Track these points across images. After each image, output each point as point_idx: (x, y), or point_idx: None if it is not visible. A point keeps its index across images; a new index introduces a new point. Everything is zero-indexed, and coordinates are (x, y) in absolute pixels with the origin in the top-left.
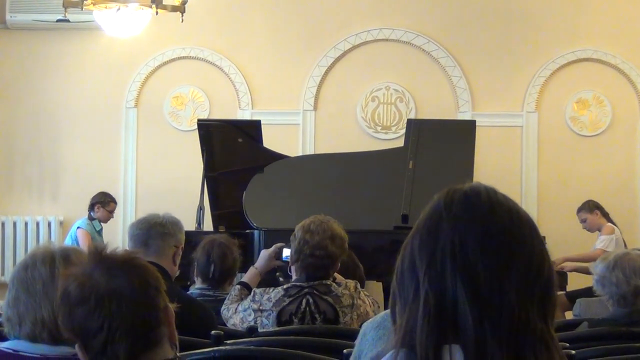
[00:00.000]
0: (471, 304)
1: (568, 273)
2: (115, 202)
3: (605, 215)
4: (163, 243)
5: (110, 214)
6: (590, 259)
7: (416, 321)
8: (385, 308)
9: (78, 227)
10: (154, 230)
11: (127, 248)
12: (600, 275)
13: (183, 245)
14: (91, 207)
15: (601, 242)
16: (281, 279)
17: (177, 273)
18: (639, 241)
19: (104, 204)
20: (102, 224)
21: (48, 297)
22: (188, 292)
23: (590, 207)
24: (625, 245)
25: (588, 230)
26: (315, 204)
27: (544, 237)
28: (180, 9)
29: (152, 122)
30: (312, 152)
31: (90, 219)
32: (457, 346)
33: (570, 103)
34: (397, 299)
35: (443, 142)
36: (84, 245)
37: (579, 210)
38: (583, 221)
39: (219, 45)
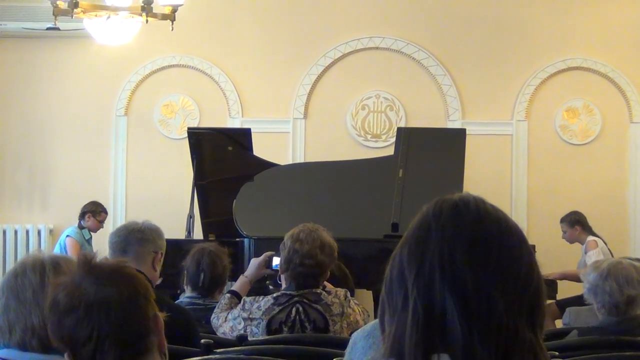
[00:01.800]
0: (460, 314)
1: (558, 282)
2: (106, 212)
3: (587, 229)
4: (141, 249)
5: (100, 223)
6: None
7: (404, 330)
8: (375, 317)
9: (67, 236)
10: (132, 236)
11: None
12: (593, 284)
13: (164, 251)
14: (82, 216)
15: (590, 259)
16: (271, 287)
17: (159, 280)
18: (628, 249)
19: (95, 213)
20: (91, 233)
21: (38, 305)
22: (178, 301)
23: (571, 221)
24: (611, 254)
25: (567, 241)
26: (305, 212)
27: (534, 246)
28: (171, 17)
29: (142, 130)
30: (302, 161)
31: (80, 227)
32: (446, 355)
33: (560, 111)
34: (386, 308)
35: (433, 150)
36: (72, 254)
37: (562, 220)
38: (564, 232)
39: (209, 54)
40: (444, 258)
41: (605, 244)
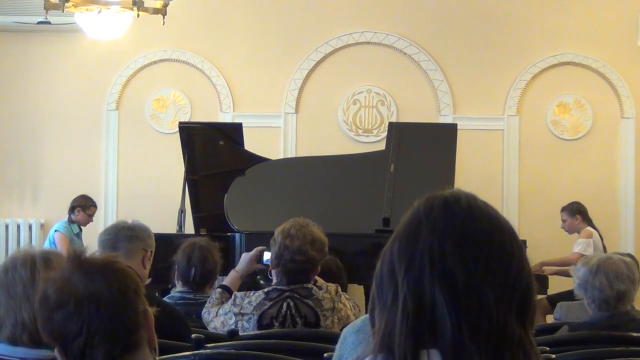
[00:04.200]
0: (449, 308)
1: (549, 277)
2: (95, 206)
3: (587, 220)
4: (131, 245)
5: (89, 217)
6: (568, 263)
7: (394, 325)
8: (367, 312)
9: (56, 231)
10: (122, 233)
11: None
12: (583, 279)
13: (153, 250)
14: (71, 210)
15: (578, 245)
16: (262, 282)
17: (149, 280)
18: (620, 244)
19: (84, 207)
20: (81, 227)
21: (29, 300)
22: (169, 295)
23: (573, 210)
24: (605, 250)
25: (566, 231)
26: (296, 207)
27: (524, 241)
28: (162, 11)
29: (133, 125)
30: (293, 155)
31: (70, 221)
32: (435, 350)
33: (552, 107)
34: (376, 303)
35: (424, 145)
36: (61, 248)
37: (563, 209)
38: (563, 221)
39: (200, 48)
40: (434, 253)
41: (602, 238)
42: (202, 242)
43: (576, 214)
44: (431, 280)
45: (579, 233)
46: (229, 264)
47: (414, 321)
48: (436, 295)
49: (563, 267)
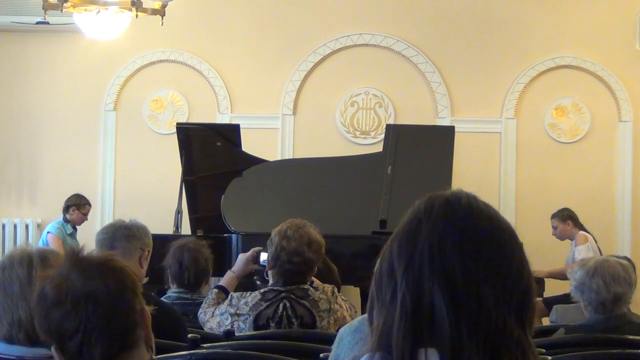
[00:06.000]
0: (448, 308)
1: (545, 279)
2: (89, 205)
3: (579, 225)
4: (129, 244)
5: (84, 216)
6: None
7: (392, 323)
8: (363, 313)
9: (48, 232)
10: (120, 232)
11: None
12: (580, 282)
13: (150, 249)
14: (66, 209)
15: (579, 252)
16: (258, 282)
17: (146, 280)
18: (616, 247)
19: (79, 206)
20: (76, 226)
21: (25, 299)
22: (166, 295)
23: (564, 216)
24: (601, 253)
25: (558, 237)
26: (293, 208)
27: (522, 244)
28: (160, 12)
29: (131, 125)
30: (290, 157)
31: (65, 220)
32: (433, 349)
33: (549, 110)
34: (375, 301)
35: (422, 147)
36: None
37: (553, 216)
38: (554, 228)
39: (198, 49)
40: (433, 252)
41: (595, 241)
42: (190, 243)
43: (567, 219)
44: (430, 280)
45: (570, 239)
46: (225, 264)
47: (412, 320)
48: (435, 295)
49: (559, 270)
